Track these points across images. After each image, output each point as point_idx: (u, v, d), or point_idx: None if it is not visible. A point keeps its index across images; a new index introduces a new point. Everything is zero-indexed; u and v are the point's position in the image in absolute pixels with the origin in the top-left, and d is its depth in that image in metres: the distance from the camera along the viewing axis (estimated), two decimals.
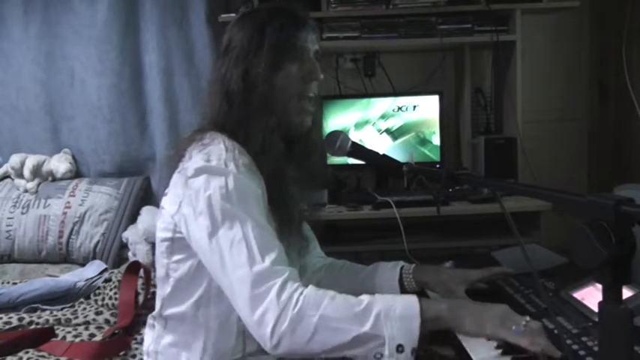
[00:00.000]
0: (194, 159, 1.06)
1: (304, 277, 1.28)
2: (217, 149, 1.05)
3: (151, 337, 1.17)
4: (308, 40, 1.15)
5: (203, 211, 1.00)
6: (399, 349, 0.92)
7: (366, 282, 1.31)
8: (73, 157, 2.43)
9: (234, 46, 1.13)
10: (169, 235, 1.10)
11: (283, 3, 1.20)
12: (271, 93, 1.10)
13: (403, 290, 1.27)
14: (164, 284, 1.13)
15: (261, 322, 0.93)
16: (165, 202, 1.13)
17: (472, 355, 0.99)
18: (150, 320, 1.19)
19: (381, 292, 1.25)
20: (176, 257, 1.10)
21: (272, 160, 1.09)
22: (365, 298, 0.97)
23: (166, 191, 1.14)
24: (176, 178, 1.09)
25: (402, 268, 1.29)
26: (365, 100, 2.47)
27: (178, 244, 1.09)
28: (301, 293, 0.95)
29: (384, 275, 1.29)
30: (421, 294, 1.30)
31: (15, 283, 1.90)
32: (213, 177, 1.01)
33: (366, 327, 0.93)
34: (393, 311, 0.94)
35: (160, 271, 1.14)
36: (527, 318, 0.97)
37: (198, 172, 1.03)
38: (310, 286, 0.97)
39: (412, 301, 0.97)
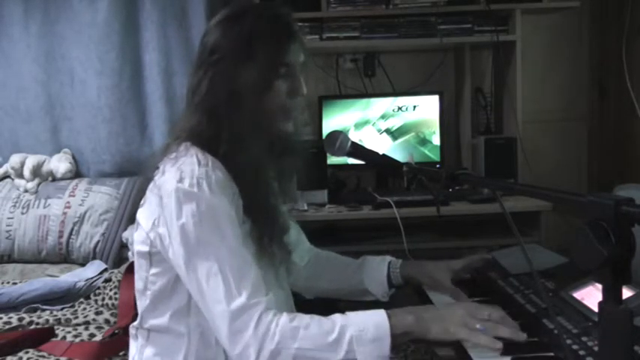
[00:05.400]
0: (167, 175, 1.04)
1: (293, 275, 1.29)
2: (190, 164, 1.03)
3: (135, 347, 1.17)
4: (298, 52, 1.12)
5: (177, 239, 1.00)
6: None
7: (354, 277, 1.34)
8: (73, 157, 2.43)
9: (218, 54, 1.08)
10: (146, 249, 1.10)
11: (267, 4, 1.15)
12: (259, 112, 1.07)
13: (390, 285, 1.31)
14: (143, 297, 1.13)
15: (242, 355, 0.96)
16: (140, 214, 1.12)
17: (472, 355, 0.99)
18: (132, 331, 1.18)
19: (369, 287, 1.31)
20: (154, 270, 1.10)
21: (252, 175, 1.07)
22: (338, 321, 0.98)
23: (142, 202, 1.13)
24: (150, 195, 1.09)
25: (389, 263, 1.33)
26: (365, 100, 2.47)
27: (156, 257, 1.09)
28: (277, 325, 0.96)
29: (371, 272, 1.32)
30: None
31: (15, 283, 1.90)
32: (186, 203, 1.00)
33: (341, 355, 0.95)
34: (365, 334, 0.96)
35: (138, 284, 1.14)
36: (488, 312, 1.01)
37: (171, 194, 1.01)
38: (284, 315, 0.98)
39: (382, 320, 0.98)
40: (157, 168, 1.09)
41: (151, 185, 1.09)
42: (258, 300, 0.98)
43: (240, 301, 0.97)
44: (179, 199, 1.01)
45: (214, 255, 0.99)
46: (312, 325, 0.97)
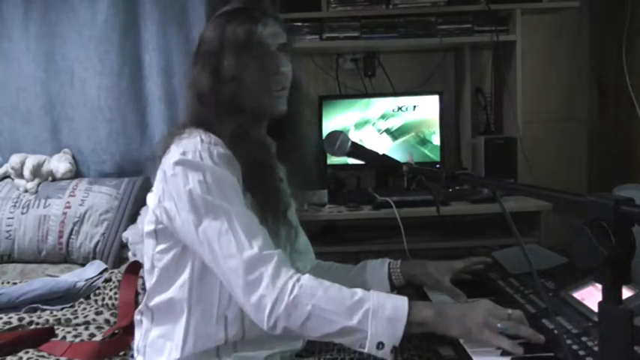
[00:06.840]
0: (171, 153, 1.10)
1: None
2: (193, 142, 1.09)
3: (139, 333, 1.20)
4: (266, 34, 1.17)
5: (186, 206, 1.04)
6: (380, 345, 0.98)
7: (356, 279, 1.35)
8: (73, 157, 2.43)
9: (203, 50, 1.18)
10: (153, 227, 1.14)
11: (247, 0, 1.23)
12: (238, 90, 1.13)
13: (392, 285, 1.33)
14: (150, 276, 1.17)
15: (258, 306, 0.99)
16: (149, 198, 1.19)
17: (472, 355, 0.99)
18: (137, 316, 1.22)
19: (372, 286, 1.30)
20: (160, 247, 1.14)
21: (248, 151, 1.12)
22: (359, 291, 1.01)
23: (152, 188, 1.18)
24: (157, 174, 1.14)
25: (389, 264, 1.34)
26: (365, 100, 2.47)
27: (162, 234, 1.14)
28: (298, 280, 1.00)
29: (373, 272, 1.34)
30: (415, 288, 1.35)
31: (15, 283, 1.90)
32: (191, 171, 1.05)
33: (354, 321, 0.98)
34: (381, 311, 0.99)
35: (146, 264, 1.19)
36: (509, 310, 1.02)
37: (175, 166, 1.07)
38: (307, 275, 1.02)
39: (402, 304, 1.01)
40: (164, 153, 1.13)
41: (159, 166, 1.14)
42: (271, 252, 1.02)
43: (252, 252, 1.00)
44: (184, 168, 1.05)
45: (223, 215, 1.03)
46: (332, 288, 1.01)
